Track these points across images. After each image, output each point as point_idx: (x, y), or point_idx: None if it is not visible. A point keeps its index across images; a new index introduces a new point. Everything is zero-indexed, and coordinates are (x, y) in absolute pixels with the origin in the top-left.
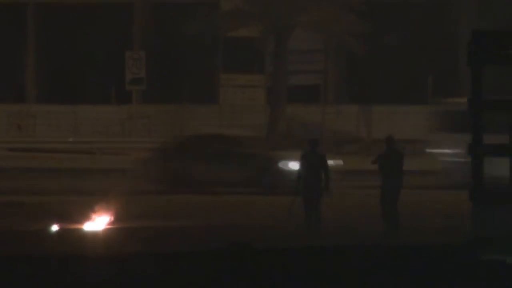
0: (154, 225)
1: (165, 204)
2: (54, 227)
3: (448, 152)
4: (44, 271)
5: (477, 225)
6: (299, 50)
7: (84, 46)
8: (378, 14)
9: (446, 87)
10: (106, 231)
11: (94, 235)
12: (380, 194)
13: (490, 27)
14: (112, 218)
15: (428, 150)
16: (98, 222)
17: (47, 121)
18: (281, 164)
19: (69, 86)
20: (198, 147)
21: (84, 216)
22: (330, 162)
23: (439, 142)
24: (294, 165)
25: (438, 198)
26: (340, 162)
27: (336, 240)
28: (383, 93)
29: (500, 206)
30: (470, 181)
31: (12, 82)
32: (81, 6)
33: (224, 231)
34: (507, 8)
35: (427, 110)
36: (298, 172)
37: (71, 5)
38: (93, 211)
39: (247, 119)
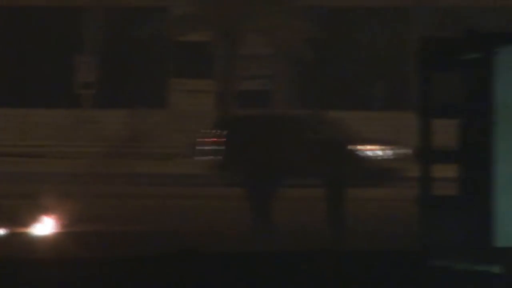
0: (102, 229)
1: (115, 208)
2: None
3: None
4: None
5: (424, 231)
6: (249, 55)
7: (35, 50)
8: (328, 19)
9: (396, 93)
10: (53, 235)
11: (40, 239)
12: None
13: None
14: (59, 222)
15: None
16: (45, 226)
17: None
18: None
19: (19, 90)
20: None
21: (32, 219)
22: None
23: None
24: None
25: (386, 203)
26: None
27: (284, 246)
28: (333, 98)
29: (447, 212)
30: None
31: None
32: (32, 9)
33: (173, 236)
34: (458, 18)
35: (377, 116)
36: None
37: (22, 8)
38: (41, 215)
39: (198, 124)
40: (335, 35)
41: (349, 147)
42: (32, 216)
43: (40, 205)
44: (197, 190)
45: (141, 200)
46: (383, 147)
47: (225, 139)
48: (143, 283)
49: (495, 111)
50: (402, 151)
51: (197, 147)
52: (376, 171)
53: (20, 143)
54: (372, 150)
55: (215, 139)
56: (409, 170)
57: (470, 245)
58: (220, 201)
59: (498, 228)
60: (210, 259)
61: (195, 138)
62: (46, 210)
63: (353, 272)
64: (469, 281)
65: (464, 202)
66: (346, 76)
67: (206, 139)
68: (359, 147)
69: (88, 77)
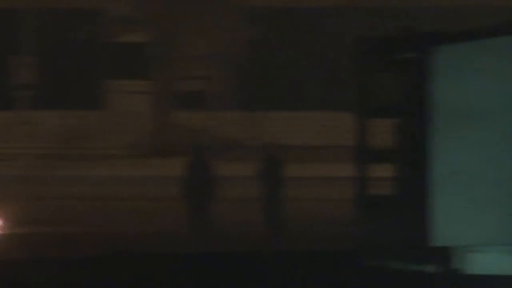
0: (40, 231)
1: (54, 210)
2: None
3: None
4: None
5: (361, 231)
6: (186, 56)
7: None
8: (267, 20)
9: (333, 93)
10: None
11: None
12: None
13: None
14: None
15: None
16: None
17: None
18: None
19: None
20: None
21: None
22: None
23: None
24: None
25: (325, 204)
26: None
27: (221, 246)
28: (272, 99)
29: (383, 212)
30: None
31: None
32: None
33: (110, 238)
34: (394, 19)
35: (315, 116)
36: (184, 178)
37: None
38: None
39: (134, 125)
40: (273, 35)
41: None
42: None
43: None
44: (135, 191)
45: (79, 201)
46: None
47: None
48: (79, 283)
49: (431, 110)
50: None
51: None
52: None
53: None
54: None
55: None
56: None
57: (406, 244)
58: (157, 203)
59: (433, 228)
60: (146, 260)
61: None
62: None
63: (290, 272)
64: (404, 280)
65: (400, 202)
66: (283, 77)
67: None
68: None
69: (25, 78)
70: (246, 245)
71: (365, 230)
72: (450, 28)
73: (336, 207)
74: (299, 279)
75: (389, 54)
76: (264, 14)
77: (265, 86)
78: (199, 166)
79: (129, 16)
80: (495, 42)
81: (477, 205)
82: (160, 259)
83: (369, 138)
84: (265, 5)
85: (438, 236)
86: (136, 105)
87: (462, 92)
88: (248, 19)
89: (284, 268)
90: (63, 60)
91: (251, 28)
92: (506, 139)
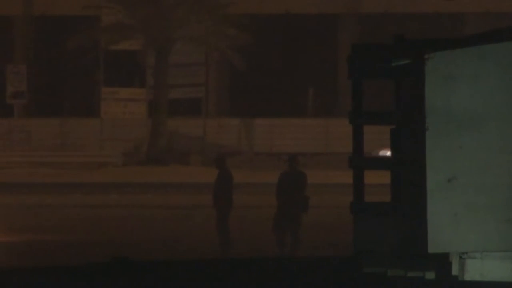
0: (35, 239)
1: (48, 217)
2: None
3: None
4: None
5: (358, 238)
6: (180, 64)
7: None
8: (260, 27)
9: (327, 100)
10: None
11: None
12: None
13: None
14: None
15: None
16: None
17: None
18: None
19: None
20: None
21: None
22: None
23: None
24: None
25: (319, 212)
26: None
27: (220, 254)
28: (265, 106)
29: (381, 219)
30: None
31: None
32: None
33: (105, 245)
34: (386, 26)
35: (308, 123)
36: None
37: None
38: None
39: (129, 133)
40: (267, 42)
41: None
42: None
43: None
44: (130, 198)
45: (73, 209)
46: None
47: None
48: None
49: (426, 117)
50: None
51: None
52: None
53: None
54: None
55: None
56: None
57: (404, 251)
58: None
59: (431, 234)
60: (143, 267)
61: None
62: None
63: (287, 278)
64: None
65: (397, 209)
66: (278, 83)
67: None
68: None
69: (19, 86)
70: (242, 251)
71: (362, 237)
72: (446, 35)
73: (334, 214)
74: (297, 285)
75: (383, 61)
76: (256, 21)
77: (259, 93)
78: (222, 175)
79: (123, 24)
80: (490, 49)
81: (475, 211)
82: (153, 265)
83: (364, 144)
84: (261, 12)
85: (437, 243)
86: (131, 112)
87: (457, 98)
88: (242, 26)
89: (282, 275)
90: (58, 67)
91: (244, 35)
92: (502, 145)
